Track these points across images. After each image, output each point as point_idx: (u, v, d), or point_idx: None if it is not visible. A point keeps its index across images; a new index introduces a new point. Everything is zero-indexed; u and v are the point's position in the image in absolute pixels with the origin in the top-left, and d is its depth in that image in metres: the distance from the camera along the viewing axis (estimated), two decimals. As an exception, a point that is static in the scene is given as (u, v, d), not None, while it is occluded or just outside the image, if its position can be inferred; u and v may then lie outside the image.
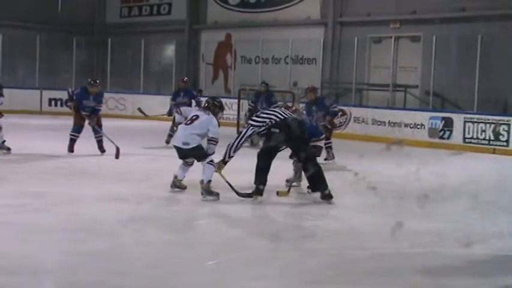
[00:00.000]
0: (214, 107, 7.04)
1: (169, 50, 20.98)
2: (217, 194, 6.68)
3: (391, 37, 15.73)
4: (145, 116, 10.68)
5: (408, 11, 15.58)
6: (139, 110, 10.68)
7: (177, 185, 7.10)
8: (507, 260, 4.71)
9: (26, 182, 7.53)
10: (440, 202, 7.03)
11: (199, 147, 6.81)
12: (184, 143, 6.80)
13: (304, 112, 10.04)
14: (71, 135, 9.98)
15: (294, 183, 7.52)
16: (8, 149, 9.75)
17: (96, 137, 10.05)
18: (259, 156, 6.86)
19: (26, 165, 8.89)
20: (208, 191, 6.67)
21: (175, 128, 10.66)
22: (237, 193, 6.75)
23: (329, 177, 7.27)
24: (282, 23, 18.03)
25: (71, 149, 9.93)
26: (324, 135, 7.80)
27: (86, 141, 10.05)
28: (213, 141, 6.87)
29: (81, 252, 4.69)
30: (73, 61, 20.07)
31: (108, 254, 4.70)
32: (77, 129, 9.98)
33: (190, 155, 6.89)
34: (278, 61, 18.27)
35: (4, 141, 9.77)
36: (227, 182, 6.78)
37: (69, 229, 5.38)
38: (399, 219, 6.01)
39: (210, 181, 6.70)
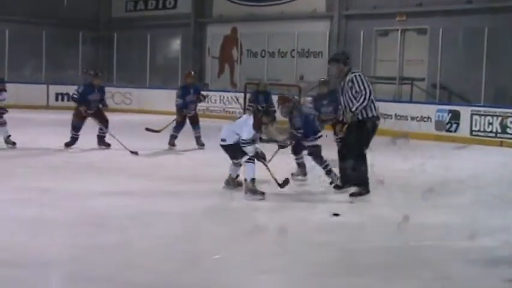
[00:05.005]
0: (258, 111, 7.03)
1: (175, 44, 20.99)
2: (262, 193, 6.54)
3: (397, 30, 15.69)
4: (157, 132, 10.46)
5: (414, 3, 15.53)
6: (148, 129, 10.47)
7: (230, 183, 6.98)
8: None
9: (33, 177, 7.56)
10: (447, 195, 7.03)
11: (234, 146, 6.72)
12: (222, 139, 6.84)
13: (311, 105, 10.02)
14: (73, 135, 9.95)
15: (299, 177, 7.54)
16: (14, 143, 9.78)
17: (100, 133, 10.05)
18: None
19: (32, 160, 8.93)
20: (252, 190, 6.54)
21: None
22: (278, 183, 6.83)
23: (335, 171, 7.28)
24: (288, 17, 18.00)
25: (69, 144, 9.92)
26: (321, 134, 7.74)
27: (92, 136, 10.08)
28: (243, 143, 6.68)
29: (88, 246, 4.71)
30: (79, 56, 20.11)
31: (116, 248, 4.71)
32: (78, 129, 9.94)
33: (226, 152, 6.85)
34: (284, 55, 18.26)
35: (9, 135, 9.80)
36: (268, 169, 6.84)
37: (77, 223, 5.41)
38: (405, 213, 6.02)
39: (253, 179, 6.55)
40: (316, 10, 17.64)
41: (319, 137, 7.63)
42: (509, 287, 4.19)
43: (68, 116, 10.31)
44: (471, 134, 12.73)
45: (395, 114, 13.88)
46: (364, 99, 6.58)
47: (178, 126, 10.51)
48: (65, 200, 6.32)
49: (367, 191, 6.72)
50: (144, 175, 7.93)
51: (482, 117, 12.63)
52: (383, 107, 14.24)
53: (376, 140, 7.01)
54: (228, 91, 18.03)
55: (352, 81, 6.66)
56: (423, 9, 15.39)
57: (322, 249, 4.86)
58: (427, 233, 5.44)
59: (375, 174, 7.74)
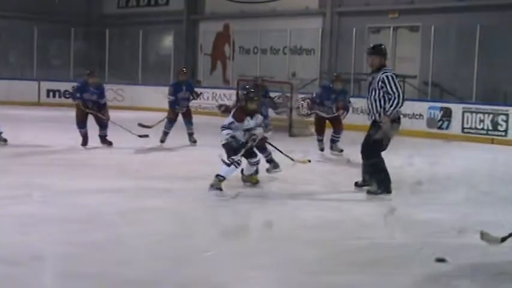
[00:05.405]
0: (241, 101, 6.94)
1: (168, 41, 20.94)
2: (220, 189, 6.58)
3: (389, 27, 15.71)
4: (149, 127, 10.44)
5: (407, 0, 15.57)
6: (140, 125, 10.45)
7: (245, 179, 7.05)
8: (504, 250, 4.73)
9: (24, 174, 7.52)
10: (438, 192, 7.06)
11: (225, 145, 6.76)
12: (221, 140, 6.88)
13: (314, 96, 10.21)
14: (80, 132, 9.87)
15: (274, 170, 7.69)
16: (5, 140, 9.73)
17: (100, 133, 9.94)
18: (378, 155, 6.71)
19: (24, 157, 8.89)
20: (214, 185, 6.60)
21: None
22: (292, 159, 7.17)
23: (327, 169, 7.30)
24: (281, 13, 17.98)
25: (83, 143, 9.85)
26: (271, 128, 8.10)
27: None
28: (221, 128, 6.79)
29: (81, 243, 4.71)
30: (71, 52, 20.02)
31: (108, 245, 4.71)
32: (81, 125, 9.85)
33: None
34: (276, 52, 18.25)
35: (1, 132, 9.75)
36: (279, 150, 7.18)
37: (69, 220, 5.40)
38: (397, 209, 6.05)
39: (219, 176, 6.61)
40: (308, 7, 17.65)
41: (270, 129, 8.03)
42: (499, 281, 4.21)
43: (59, 113, 10.28)
44: (462, 131, 12.79)
45: (387, 112, 13.89)
46: (398, 102, 6.57)
47: (170, 122, 10.50)
48: (57, 197, 6.31)
49: (386, 191, 6.70)
50: (136, 172, 7.91)
51: (474, 114, 12.70)
52: (375, 104, 14.31)
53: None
54: (220, 88, 17.99)
55: (383, 82, 6.60)
56: (415, 7, 15.42)
57: (313, 246, 4.86)
58: (418, 230, 5.46)
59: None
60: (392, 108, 6.57)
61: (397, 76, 6.81)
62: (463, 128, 12.81)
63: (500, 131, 12.32)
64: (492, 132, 12.43)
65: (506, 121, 12.26)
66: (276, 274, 4.22)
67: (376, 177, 6.74)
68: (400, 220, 5.75)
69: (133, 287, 3.92)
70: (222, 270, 4.23)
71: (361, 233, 5.36)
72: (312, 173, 8.05)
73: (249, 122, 6.82)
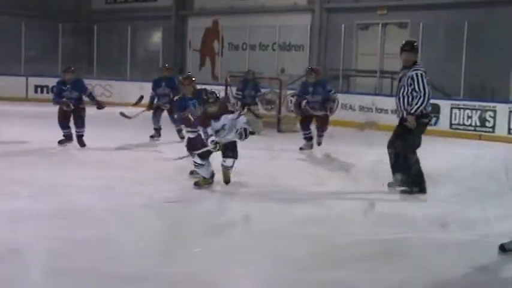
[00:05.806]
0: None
1: (156, 37, 20.86)
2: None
3: (378, 24, 15.73)
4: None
5: (395, -3, 15.61)
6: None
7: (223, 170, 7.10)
8: (492, 246, 4.76)
9: (12, 170, 7.49)
10: (427, 188, 7.08)
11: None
12: None
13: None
14: (63, 133, 9.60)
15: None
16: (-8, 136, 9.63)
17: (77, 132, 9.61)
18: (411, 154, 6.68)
19: (13, 153, 8.83)
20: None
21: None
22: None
23: (313, 166, 7.31)
24: (269, 9, 17.96)
25: (62, 142, 9.58)
26: None
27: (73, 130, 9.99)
28: None
29: (70, 239, 4.69)
30: (59, 48, 19.89)
31: (97, 242, 4.70)
32: (63, 125, 9.57)
33: None
34: (265, 48, 18.24)
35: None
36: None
37: (58, 216, 5.38)
38: (385, 205, 6.07)
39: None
40: (297, 3, 17.64)
41: None
42: (486, 279, 4.25)
43: (47, 109, 10.21)
44: (451, 127, 12.86)
45: (376, 108, 13.96)
46: (423, 101, 6.59)
47: (154, 117, 10.56)
48: (46, 193, 6.28)
49: (421, 191, 6.67)
50: (125, 169, 7.89)
51: (462, 110, 12.77)
52: (363, 100, 14.37)
53: (357, 133, 7.05)
54: (209, 84, 17.91)
55: (413, 79, 6.62)
56: (404, 3, 15.46)
57: (301, 242, 4.88)
58: (406, 225, 5.49)
59: (356, 166, 7.77)
60: (416, 106, 6.59)
61: (426, 74, 6.76)
62: (451, 124, 12.88)
63: (488, 127, 12.40)
64: (480, 129, 12.51)
65: (494, 117, 12.34)
66: (265, 270, 4.23)
67: (410, 176, 6.67)
68: (388, 216, 5.77)
69: (123, 284, 3.92)
70: (211, 267, 4.23)
71: (349, 229, 5.39)
72: (299, 170, 8.07)
73: (216, 124, 6.74)
